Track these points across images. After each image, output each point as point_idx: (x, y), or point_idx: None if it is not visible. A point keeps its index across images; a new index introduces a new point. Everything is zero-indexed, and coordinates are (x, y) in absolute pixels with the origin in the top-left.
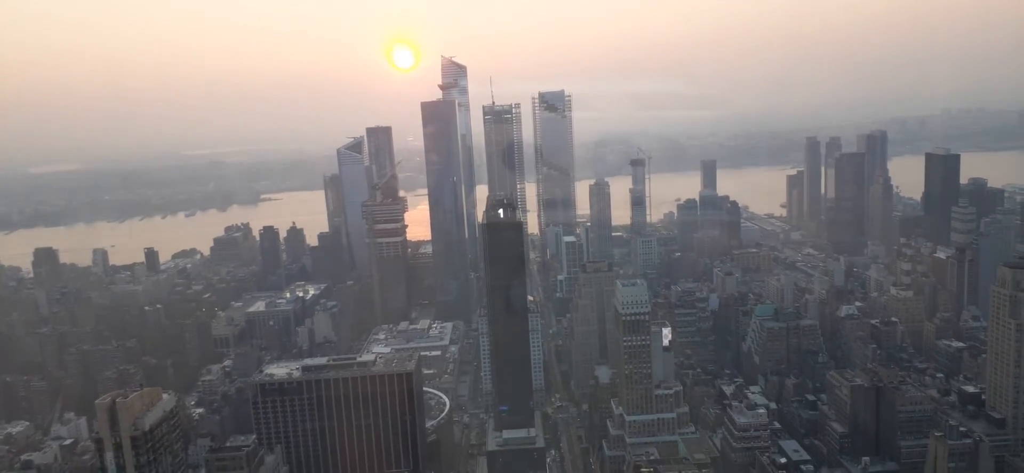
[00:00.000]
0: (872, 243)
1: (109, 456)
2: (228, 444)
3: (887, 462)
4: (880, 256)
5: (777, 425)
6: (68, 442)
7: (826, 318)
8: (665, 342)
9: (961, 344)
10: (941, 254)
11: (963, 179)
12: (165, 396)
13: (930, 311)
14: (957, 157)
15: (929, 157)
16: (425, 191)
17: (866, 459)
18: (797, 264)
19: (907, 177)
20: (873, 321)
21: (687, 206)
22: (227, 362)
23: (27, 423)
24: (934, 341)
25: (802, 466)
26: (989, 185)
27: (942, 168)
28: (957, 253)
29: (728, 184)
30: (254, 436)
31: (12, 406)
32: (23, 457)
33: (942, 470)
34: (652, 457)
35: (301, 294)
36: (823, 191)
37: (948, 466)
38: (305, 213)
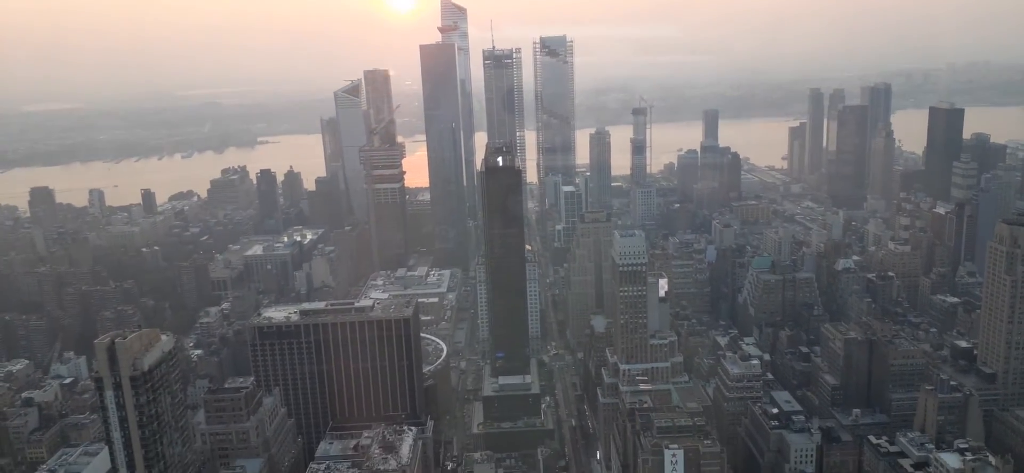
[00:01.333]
0: (872, 197)
1: (109, 395)
2: (226, 385)
3: (877, 414)
4: (879, 210)
5: (770, 376)
6: (68, 381)
7: (823, 271)
8: (661, 293)
9: (956, 299)
10: (941, 209)
11: (966, 134)
12: (163, 337)
13: (927, 266)
14: (961, 112)
15: (933, 111)
16: (423, 137)
17: (857, 411)
18: (796, 217)
19: (910, 131)
20: (869, 275)
21: (688, 157)
22: (225, 305)
23: (27, 361)
24: (929, 296)
25: (793, 417)
26: (992, 140)
27: (945, 122)
28: (956, 208)
29: (730, 134)
30: (252, 378)
31: (12, 344)
32: (24, 395)
33: (931, 423)
34: (645, 405)
35: (299, 238)
36: (825, 144)
37: (937, 419)
38: (302, 157)
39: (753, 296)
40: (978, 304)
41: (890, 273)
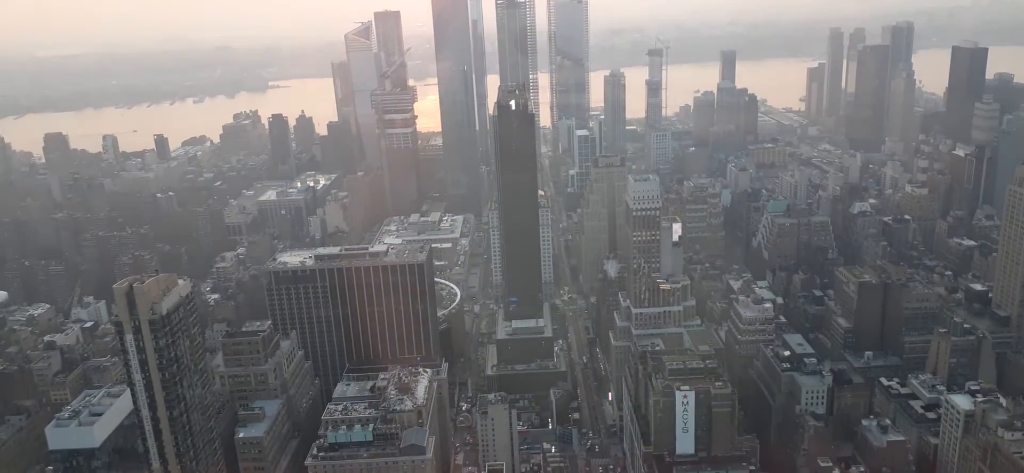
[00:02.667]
0: (890, 139)
1: (129, 339)
2: (244, 329)
3: (890, 357)
4: (897, 153)
5: (783, 320)
6: (89, 325)
7: (838, 215)
8: (675, 238)
9: (972, 243)
10: (960, 151)
11: (989, 74)
12: (181, 282)
13: (944, 209)
14: (984, 51)
15: (955, 51)
16: (435, 80)
17: (869, 353)
18: (813, 160)
19: (932, 71)
20: (885, 218)
21: (704, 99)
22: (240, 250)
23: (48, 306)
24: (946, 239)
25: (805, 359)
26: (1015, 81)
27: (968, 62)
28: (976, 150)
29: (747, 76)
30: (269, 322)
31: (32, 289)
32: (46, 338)
33: (943, 365)
34: (657, 348)
35: (312, 184)
36: (844, 85)
37: (949, 361)
38: (314, 101)
39: (767, 240)
40: (995, 248)
41: (906, 216)
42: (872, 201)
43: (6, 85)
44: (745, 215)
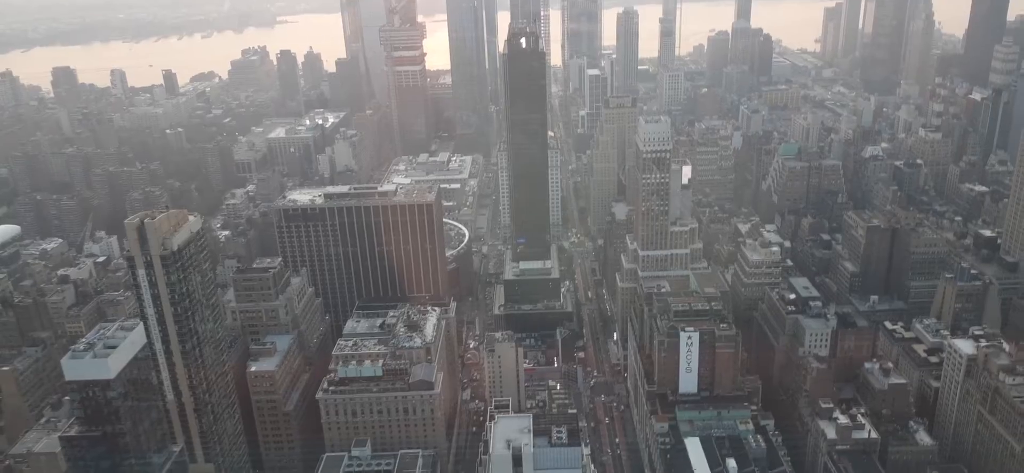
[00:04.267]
0: (906, 82)
1: (141, 273)
2: (255, 265)
3: (895, 301)
4: (913, 96)
5: (790, 263)
6: (101, 259)
7: (850, 159)
8: (684, 180)
9: (984, 188)
10: (976, 95)
11: (1011, 16)
12: (191, 218)
13: (957, 154)
14: None
15: None
16: (444, 16)
17: (874, 297)
18: (826, 102)
19: (951, 12)
20: (897, 163)
21: (718, 39)
22: (250, 187)
23: (61, 240)
24: (957, 185)
25: (811, 302)
26: None
27: (989, 3)
28: (993, 94)
29: (763, 15)
30: (279, 259)
31: (45, 223)
32: (60, 272)
33: (948, 310)
34: (663, 290)
35: (320, 121)
36: (861, 25)
37: (954, 306)
38: (322, 37)
39: (777, 183)
40: (1007, 193)
41: (918, 161)
42: (884, 145)
43: (13, 18)
44: (756, 158)
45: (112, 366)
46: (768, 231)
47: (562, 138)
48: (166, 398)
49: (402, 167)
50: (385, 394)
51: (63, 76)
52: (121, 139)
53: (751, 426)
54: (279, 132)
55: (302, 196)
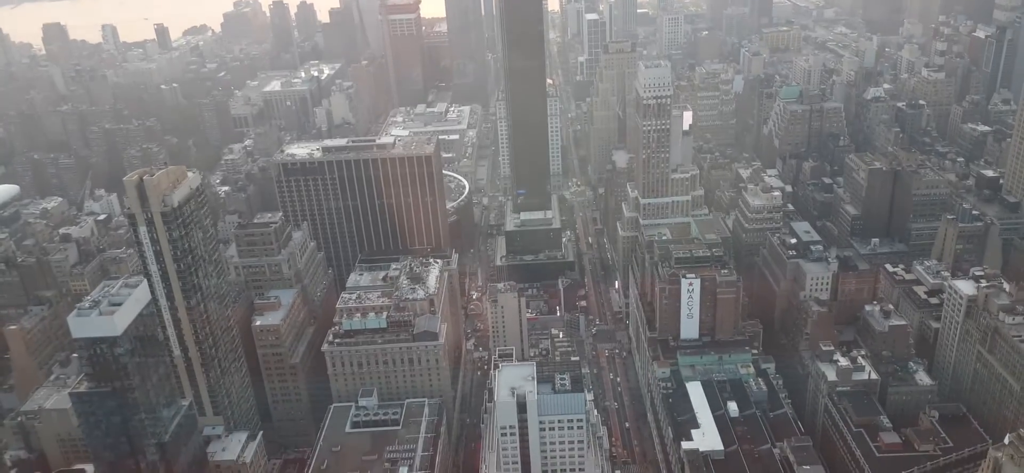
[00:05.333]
0: (909, 21)
1: (143, 231)
2: (256, 220)
3: (896, 244)
4: (916, 35)
5: (791, 208)
6: (102, 217)
7: (852, 100)
8: (685, 126)
9: (987, 128)
10: (981, 33)
11: None
12: (190, 174)
13: (960, 94)
14: None
15: None
16: None
17: (876, 240)
18: (828, 44)
19: None
20: (899, 104)
21: None
22: (247, 142)
23: (60, 199)
24: (960, 125)
25: (812, 246)
26: None
27: None
28: (997, 32)
29: None
30: (280, 213)
31: (44, 182)
32: (61, 231)
33: (949, 251)
34: (664, 237)
35: (316, 73)
36: None
37: (955, 248)
38: None
39: (779, 127)
40: (1010, 133)
41: (921, 102)
42: (887, 86)
43: None
44: (757, 102)
45: (118, 323)
46: (769, 176)
47: (561, 85)
48: (173, 353)
49: (399, 119)
50: (390, 345)
51: (54, 32)
52: (116, 96)
53: (752, 370)
54: (275, 86)
55: (300, 150)
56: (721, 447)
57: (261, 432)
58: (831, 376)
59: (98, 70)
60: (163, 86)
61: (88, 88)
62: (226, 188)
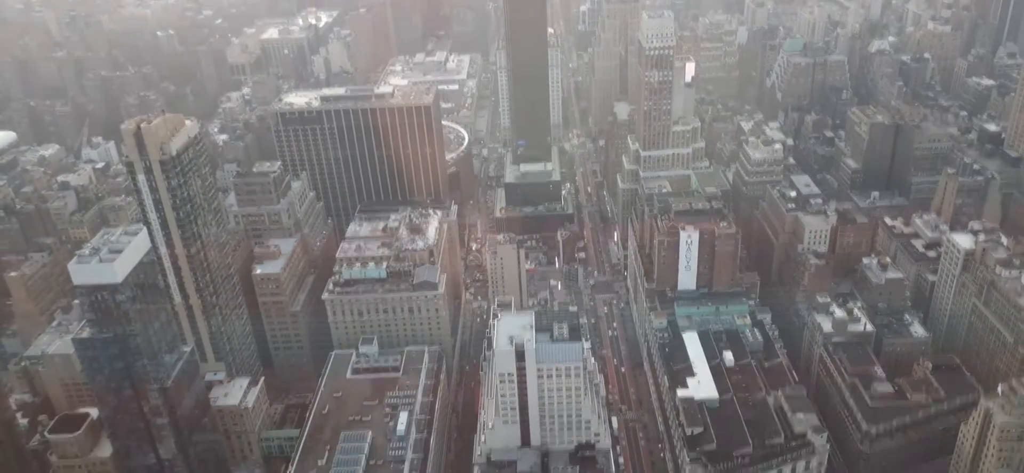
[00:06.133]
0: None
1: (141, 179)
2: (255, 169)
3: (896, 197)
4: None
5: (792, 161)
6: (100, 165)
7: (856, 53)
8: (688, 78)
9: (991, 82)
10: None
11: None
12: (188, 122)
13: (965, 47)
14: None
15: None
16: None
17: (875, 194)
18: None
19: None
20: (904, 57)
21: None
22: (245, 90)
23: (57, 146)
24: (964, 79)
25: (811, 200)
26: None
27: None
28: None
29: None
30: (279, 162)
31: (40, 130)
32: (59, 178)
33: (949, 205)
34: (664, 190)
35: (313, 21)
36: None
37: (955, 202)
38: None
39: (782, 80)
40: (1014, 87)
41: (926, 55)
42: (891, 39)
43: None
44: (760, 54)
45: (119, 270)
46: (771, 128)
47: (562, 35)
48: (174, 301)
49: (398, 68)
50: (390, 295)
51: None
52: (111, 42)
53: (748, 320)
54: (272, 33)
55: (298, 99)
56: (716, 395)
57: (263, 378)
58: (827, 327)
59: (93, 16)
60: (159, 33)
61: (83, 34)
62: (224, 136)
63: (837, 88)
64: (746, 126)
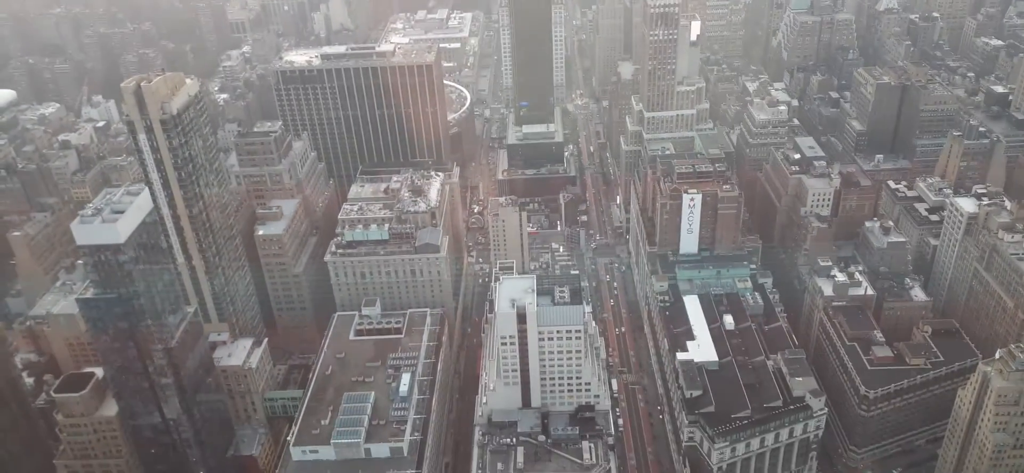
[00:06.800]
0: None
1: (142, 138)
2: (256, 129)
3: (900, 160)
4: None
5: (796, 122)
6: (101, 124)
7: (863, 12)
8: (693, 37)
9: (1000, 42)
10: None
11: None
12: (188, 81)
13: (975, 7)
14: None
15: None
16: None
17: (879, 156)
18: None
19: None
20: (912, 16)
21: None
22: (245, 48)
23: (58, 105)
24: (973, 39)
25: (815, 162)
26: None
27: None
28: None
29: None
30: (280, 122)
31: (40, 88)
32: (60, 137)
33: (953, 168)
34: (667, 152)
35: None
36: None
37: (960, 165)
38: None
39: (788, 39)
40: (1023, 47)
41: (934, 14)
42: None
43: None
44: (767, 12)
45: (121, 231)
46: (776, 89)
47: None
48: (177, 261)
49: (399, 25)
50: (392, 257)
51: None
52: None
53: (749, 284)
54: None
55: (299, 57)
56: (715, 358)
57: (266, 339)
58: (828, 291)
59: None
60: None
61: None
62: (225, 96)
63: (844, 48)
64: (751, 87)
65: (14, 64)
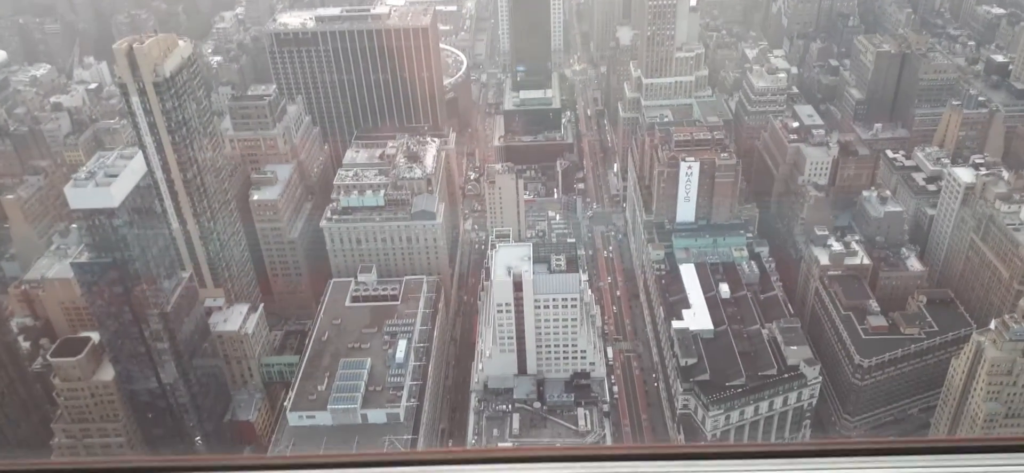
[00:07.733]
0: None
1: (135, 101)
2: (250, 92)
3: (899, 129)
4: None
5: (796, 90)
6: (93, 86)
7: None
8: (693, 2)
9: (1002, 10)
10: None
11: None
12: (181, 43)
13: None
14: None
15: None
16: None
17: (878, 125)
18: None
19: None
20: None
21: None
22: (239, 9)
23: (49, 66)
24: (974, 7)
25: (813, 131)
26: None
27: None
28: None
29: None
30: (274, 86)
31: (31, 49)
32: (52, 99)
33: (951, 138)
34: (665, 119)
35: None
36: None
37: (958, 134)
38: None
39: (788, 5)
40: None
41: None
42: None
43: None
44: None
45: (115, 194)
46: (776, 56)
47: None
48: (171, 226)
49: None
50: (388, 223)
51: None
52: None
53: (745, 253)
54: None
55: (293, 19)
56: (710, 327)
57: (262, 305)
58: (824, 260)
59: None
60: None
61: None
62: (218, 58)
63: (844, 14)
64: (751, 53)
65: (4, 24)
